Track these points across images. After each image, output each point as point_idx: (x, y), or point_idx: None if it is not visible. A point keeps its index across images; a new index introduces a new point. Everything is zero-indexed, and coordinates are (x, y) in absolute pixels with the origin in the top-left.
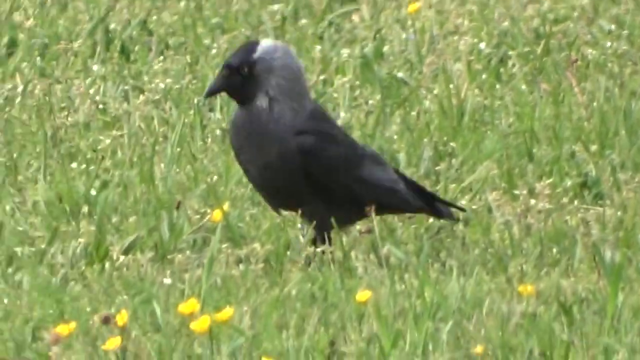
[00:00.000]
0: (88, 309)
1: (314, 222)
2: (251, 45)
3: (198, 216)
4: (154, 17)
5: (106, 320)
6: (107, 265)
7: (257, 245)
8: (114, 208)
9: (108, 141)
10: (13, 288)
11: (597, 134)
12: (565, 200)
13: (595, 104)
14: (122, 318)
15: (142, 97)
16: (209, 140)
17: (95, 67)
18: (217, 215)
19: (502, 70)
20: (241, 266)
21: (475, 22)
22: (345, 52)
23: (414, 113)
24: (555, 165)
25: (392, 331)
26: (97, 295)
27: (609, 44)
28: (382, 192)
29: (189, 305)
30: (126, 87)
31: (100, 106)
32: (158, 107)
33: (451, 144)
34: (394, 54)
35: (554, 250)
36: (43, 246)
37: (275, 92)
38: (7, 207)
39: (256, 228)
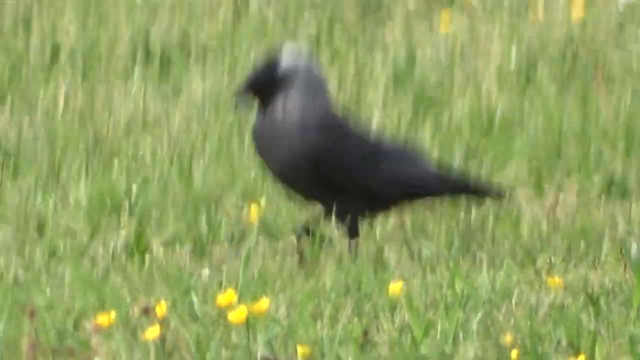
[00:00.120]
0: (128, 300)
1: (341, 217)
2: (275, 50)
3: (235, 211)
4: (193, 25)
5: (146, 311)
6: (147, 257)
7: (292, 238)
8: (154, 203)
9: (148, 140)
10: (55, 280)
11: (624, 133)
12: (592, 196)
13: (621, 104)
14: (161, 309)
15: (181, 99)
16: (246, 138)
17: (135, 73)
18: (254, 210)
19: (531, 74)
20: (277, 258)
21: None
22: (378, 57)
23: (445, 116)
24: (583, 163)
25: (423, 321)
26: (137, 286)
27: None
28: (408, 186)
29: (227, 297)
30: (166, 90)
31: (141, 109)
32: (197, 109)
33: (481, 144)
34: (426, 59)
35: (582, 244)
36: (85, 240)
37: (295, 94)
38: (51, 202)
39: (292, 222)
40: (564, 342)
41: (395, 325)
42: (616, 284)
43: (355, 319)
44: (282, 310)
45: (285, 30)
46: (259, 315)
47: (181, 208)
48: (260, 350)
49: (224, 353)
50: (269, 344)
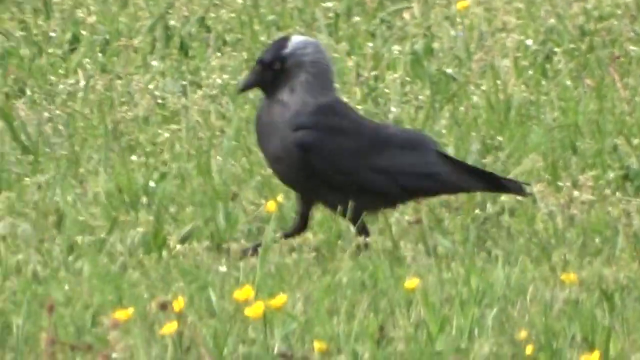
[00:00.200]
0: (146, 295)
1: (346, 213)
2: (283, 41)
3: (253, 207)
4: (212, 14)
5: (163, 306)
6: (164, 253)
7: (309, 234)
8: (171, 199)
9: (167, 135)
10: (74, 275)
11: (639, 127)
12: (607, 191)
13: (637, 98)
14: (178, 304)
15: (199, 92)
16: None
17: (154, 63)
18: (271, 205)
19: (547, 66)
20: (294, 255)
21: (522, 19)
22: (396, 48)
23: (462, 108)
24: (598, 158)
25: (439, 317)
26: (154, 282)
27: None
28: (411, 178)
29: (244, 292)
30: (184, 83)
31: (159, 101)
32: (215, 102)
33: (498, 137)
34: (444, 50)
35: (596, 240)
36: (103, 235)
37: (299, 87)
38: (69, 198)
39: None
40: (578, 338)
41: (411, 321)
42: (631, 279)
43: (372, 315)
44: (299, 306)
45: (302, 19)
46: (276, 310)
47: (199, 204)
48: (277, 346)
49: (241, 348)
50: (286, 339)
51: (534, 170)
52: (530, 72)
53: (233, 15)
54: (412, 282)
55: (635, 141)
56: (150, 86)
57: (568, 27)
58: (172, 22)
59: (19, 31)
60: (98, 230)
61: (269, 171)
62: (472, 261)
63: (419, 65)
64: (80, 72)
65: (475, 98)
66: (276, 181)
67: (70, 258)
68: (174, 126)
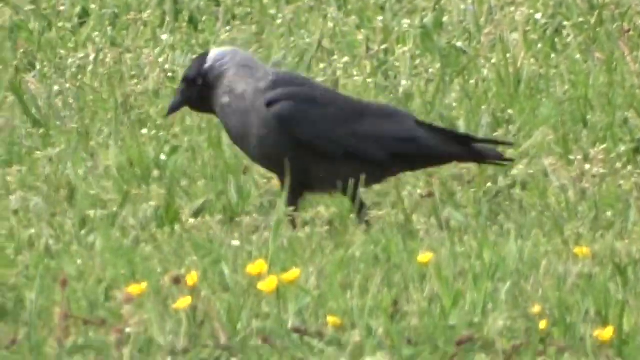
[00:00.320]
0: (159, 270)
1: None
2: (202, 57)
3: (265, 180)
4: None
5: (176, 281)
6: (177, 227)
7: (322, 208)
8: (183, 172)
9: None
10: (86, 249)
11: None
12: (619, 165)
13: None
14: (192, 278)
15: None
16: None
17: (164, 37)
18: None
19: (557, 40)
20: (307, 228)
21: None
22: (406, 22)
23: (472, 81)
24: (609, 131)
25: (452, 291)
26: (167, 256)
27: None
28: (393, 142)
29: (257, 266)
30: (194, 56)
31: (169, 74)
32: None
33: (508, 111)
34: (453, 24)
35: (609, 213)
36: (115, 209)
37: (231, 87)
38: (80, 172)
39: None
40: (592, 312)
41: (425, 295)
42: None
43: (385, 289)
44: (312, 280)
45: None
46: (289, 284)
47: (210, 177)
48: (290, 320)
49: (254, 323)
50: (300, 313)
51: (545, 144)
52: (540, 45)
53: None
54: (425, 256)
55: None
56: (160, 60)
57: (577, 1)
58: None
59: (28, 5)
60: (110, 204)
61: None
62: (484, 235)
63: (428, 39)
64: (90, 45)
65: (485, 71)
66: None
67: (83, 232)
68: None
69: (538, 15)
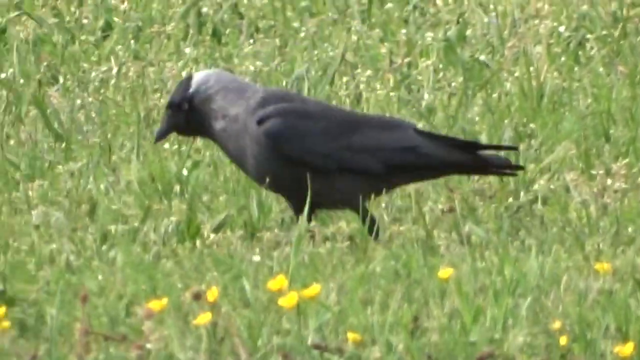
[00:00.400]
0: (179, 285)
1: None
2: (186, 81)
3: None
4: (245, 1)
5: (197, 296)
6: (198, 242)
7: (343, 223)
8: (204, 187)
9: None
10: (107, 265)
11: None
12: None
13: None
14: (212, 294)
15: None
16: None
17: (187, 50)
18: None
19: (580, 53)
20: (328, 244)
21: (555, 6)
22: (429, 35)
23: (495, 95)
24: (632, 145)
25: (473, 307)
26: (188, 272)
27: None
28: (389, 153)
29: (278, 282)
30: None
31: None
32: None
33: (531, 125)
34: (477, 37)
35: (630, 228)
36: (136, 224)
37: (223, 112)
38: (102, 187)
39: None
40: (612, 328)
41: (445, 311)
42: None
43: (405, 305)
44: (333, 296)
45: (335, 5)
46: (309, 300)
47: (232, 192)
48: (311, 336)
49: (275, 339)
50: (320, 329)
51: (567, 158)
52: (563, 58)
53: (266, 1)
54: (445, 272)
55: None
56: (183, 73)
57: (601, 14)
58: (204, 9)
59: (51, 18)
60: (131, 219)
61: None
62: (505, 250)
63: (452, 52)
64: (112, 59)
65: (508, 85)
66: None
67: (104, 247)
68: None
69: (562, 28)
